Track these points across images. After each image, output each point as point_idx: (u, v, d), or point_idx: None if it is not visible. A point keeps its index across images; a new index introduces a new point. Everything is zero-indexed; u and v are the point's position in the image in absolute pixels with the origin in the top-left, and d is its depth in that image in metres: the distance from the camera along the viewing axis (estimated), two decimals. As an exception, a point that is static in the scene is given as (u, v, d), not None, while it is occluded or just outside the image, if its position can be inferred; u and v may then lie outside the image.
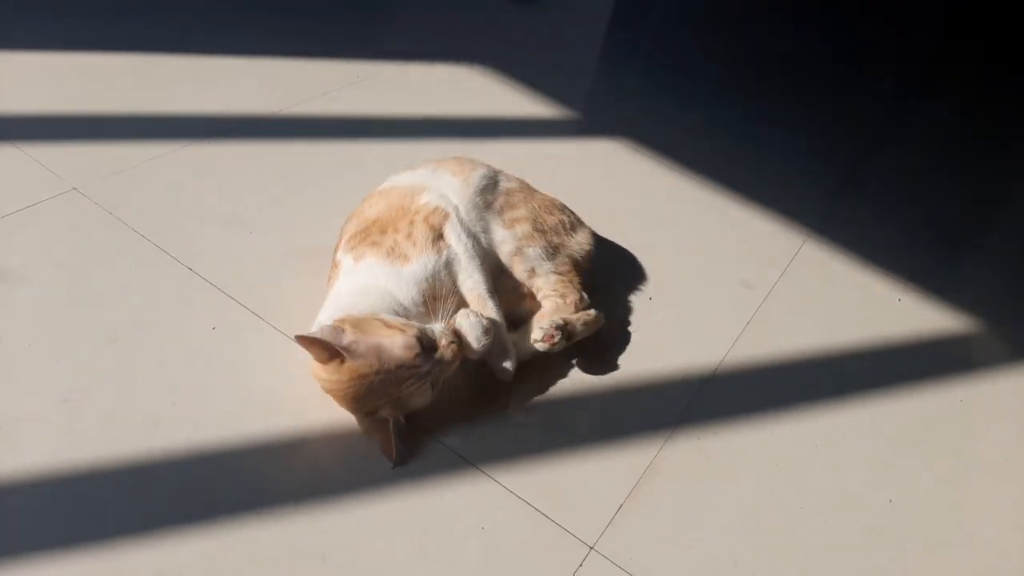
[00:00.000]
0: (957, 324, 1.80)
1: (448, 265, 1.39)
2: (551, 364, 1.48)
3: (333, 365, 1.19)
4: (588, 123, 2.40)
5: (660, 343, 1.58)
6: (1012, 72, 3.47)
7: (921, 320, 1.79)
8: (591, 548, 1.20)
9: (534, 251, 1.51)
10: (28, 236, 1.57)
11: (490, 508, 1.23)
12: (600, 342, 1.53)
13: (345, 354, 1.17)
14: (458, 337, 1.28)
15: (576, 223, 1.63)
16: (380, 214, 1.44)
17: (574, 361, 1.50)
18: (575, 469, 1.31)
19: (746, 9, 3.65)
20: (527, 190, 1.61)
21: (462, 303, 1.39)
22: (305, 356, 1.25)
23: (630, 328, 1.60)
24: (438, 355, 1.23)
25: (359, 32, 2.69)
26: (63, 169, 1.74)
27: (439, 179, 1.52)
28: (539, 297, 1.50)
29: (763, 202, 2.09)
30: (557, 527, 1.22)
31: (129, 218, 1.65)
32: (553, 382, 1.45)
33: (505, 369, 1.37)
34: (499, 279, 1.48)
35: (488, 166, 1.60)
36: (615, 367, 1.51)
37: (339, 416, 1.28)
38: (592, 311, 1.50)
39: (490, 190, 1.54)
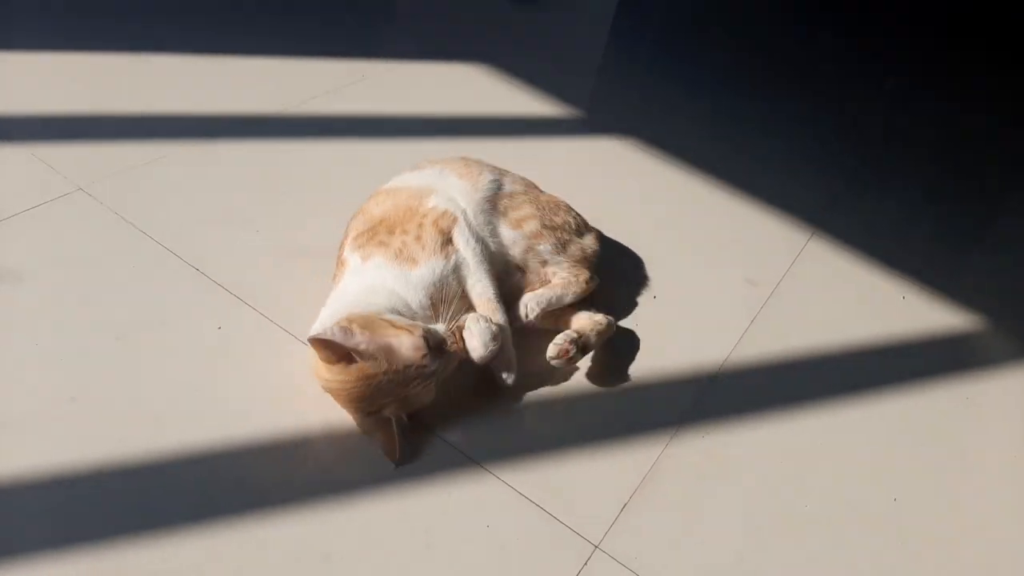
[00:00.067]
0: (962, 321, 1.80)
1: (456, 269, 1.39)
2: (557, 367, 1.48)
3: (340, 366, 1.18)
4: (592, 121, 2.40)
5: (665, 341, 1.58)
6: (1013, 69, 3.45)
7: (926, 317, 1.79)
8: (596, 547, 1.20)
9: (544, 247, 1.52)
10: (34, 236, 1.58)
11: (495, 507, 1.23)
12: (605, 340, 1.53)
13: (355, 355, 1.17)
14: (461, 336, 1.29)
15: (582, 225, 1.64)
16: (387, 213, 1.44)
17: (580, 362, 1.50)
18: (580, 467, 1.32)
19: (749, 6, 3.64)
20: (532, 191, 1.61)
21: (467, 307, 1.39)
22: (306, 356, 1.26)
23: (635, 326, 1.60)
24: (443, 355, 1.23)
25: (362, 31, 2.69)
26: (68, 169, 1.75)
27: (445, 180, 1.52)
28: (551, 277, 1.52)
29: (767, 199, 2.08)
30: (562, 526, 1.22)
31: (134, 218, 1.65)
32: (558, 380, 1.45)
33: (507, 378, 1.38)
34: (506, 280, 1.48)
35: (493, 168, 1.60)
36: (619, 365, 1.51)
37: (342, 415, 1.28)
38: (602, 317, 1.49)
39: (496, 192, 1.54)
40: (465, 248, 1.41)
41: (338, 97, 2.24)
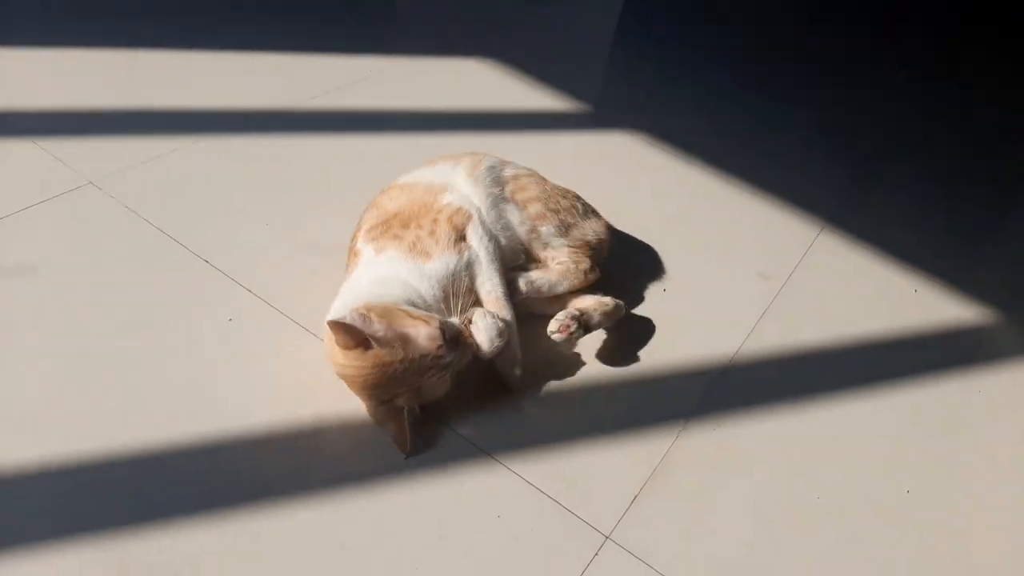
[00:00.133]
0: (974, 314, 1.79)
1: (468, 266, 1.39)
2: (566, 354, 1.48)
3: (356, 352, 1.19)
4: (600, 115, 2.39)
5: (676, 334, 1.58)
6: (1027, 60, 3.44)
7: (938, 310, 1.78)
8: (607, 537, 1.20)
9: (547, 229, 1.52)
10: (44, 230, 1.59)
11: (506, 497, 1.23)
12: (615, 333, 1.53)
13: (372, 341, 1.17)
14: (471, 332, 1.29)
15: (590, 210, 1.63)
16: (402, 208, 1.44)
17: (590, 351, 1.50)
18: (591, 459, 1.31)
19: None
20: (537, 177, 1.62)
21: (476, 302, 1.39)
22: (320, 345, 1.26)
23: (645, 320, 1.60)
24: (459, 347, 1.24)
25: (370, 28, 2.70)
26: (78, 163, 1.75)
27: (457, 177, 1.52)
28: (551, 264, 1.51)
29: (778, 193, 2.08)
30: (573, 516, 1.22)
31: (144, 212, 1.66)
32: (569, 372, 1.45)
33: (512, 374, 1.38)
34: (517, 262, 1.49)
35: (495, 157, 1.60)
36: (631, 358, 1.51)
37: (355, 407, 1.28)
38: (609, 299, 1.49)
39: (499, 180, 1.54)
40: (478, 245, 1.41)
41: (346, 93, 2.24)
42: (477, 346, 1.29)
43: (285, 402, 1.31)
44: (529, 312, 1.48)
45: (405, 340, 1.19)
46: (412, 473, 1.24)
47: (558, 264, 1.51)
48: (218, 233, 1.64)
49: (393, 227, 1.40)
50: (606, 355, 1.50)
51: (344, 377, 1.24)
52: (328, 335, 1.23)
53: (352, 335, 1.17)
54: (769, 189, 2.09)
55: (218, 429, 1.25)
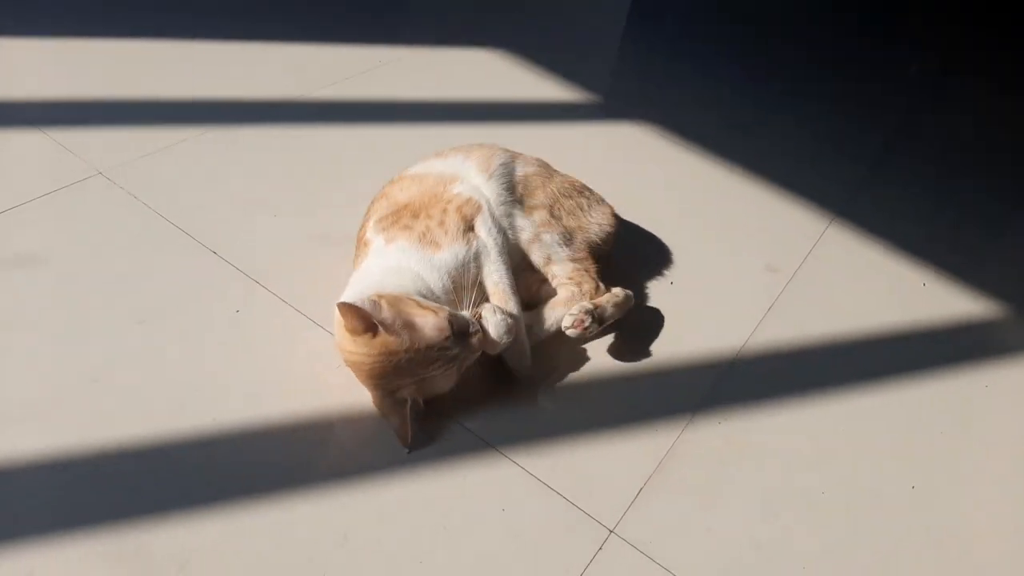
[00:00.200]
0: (983, 309, 1.78)
1: (477, 257, 1.39)
2: (572, 347, 1.48)
3: (364, 338, 1.19)
4: (610, 106, 2.38)
5: (683, 327, 1.58)
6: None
7: (946, 305, 1.77)
8: (611, 531, 1.20)
9: (550, 237, 1.51)
10: (54, 220, 1.59)
11: (510, 491, 1.24)
12: (622, 326, 1.53)
13: (380, 327, 1.17)
14: (481, 328, 1.29)
15: (595, 202, 1.62)
16: (412, 198, 1.44)
17: (596, 344, 1.50)
18: (596, 452, 1.32)
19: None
20: (545, 173, 1.60)
21: (486, 294, 1.40)
22: (327, 337, 1.26)
23: (653, 312, 1.60)
24: (467, 340, 1.24)
25: (379, 17, 2.69)
26: (88, 154, 1.76)
27: (469, 168, 1.52)
28: (554, 284, 1.50)
29: (787, 185, 2.07)
30: (577, 510, 1.22)
31: (154, 202, 1.66)
32: (574, 366, 1.45)
33: (522, 367, 1.38)
34: (520, 269, 1.48)
35: (507, 153, 1.59)
36: (636, 351, 1.51)
37: (361, 399, 1.29)
38: (620, 290, 1.49)
39: (511, 178, 1.53)
40: (487, 236, 1.41)
41: (356, 83, 2.24)
42: (488, 342, 1.29)
43: (291, 394, 1.32)
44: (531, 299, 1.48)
45: (412, 329, 1.19)
46: (417, 465, 1.24)
47: (561, 288, 1.49)
48: (226, 224, 1.64)
49: (403, 217, 1.40)
50: (613, 348, 1.50)
51: (352, 364, 1.24)
52: (337, 322, 1.23)
53: (361, 319, 1.17)
54: (778, 181, 2.07)
55: (224, 421, 1.26)
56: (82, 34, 2.23)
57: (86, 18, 2.32)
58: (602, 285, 1.50)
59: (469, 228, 1.40)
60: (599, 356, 1.48)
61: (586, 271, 1.51)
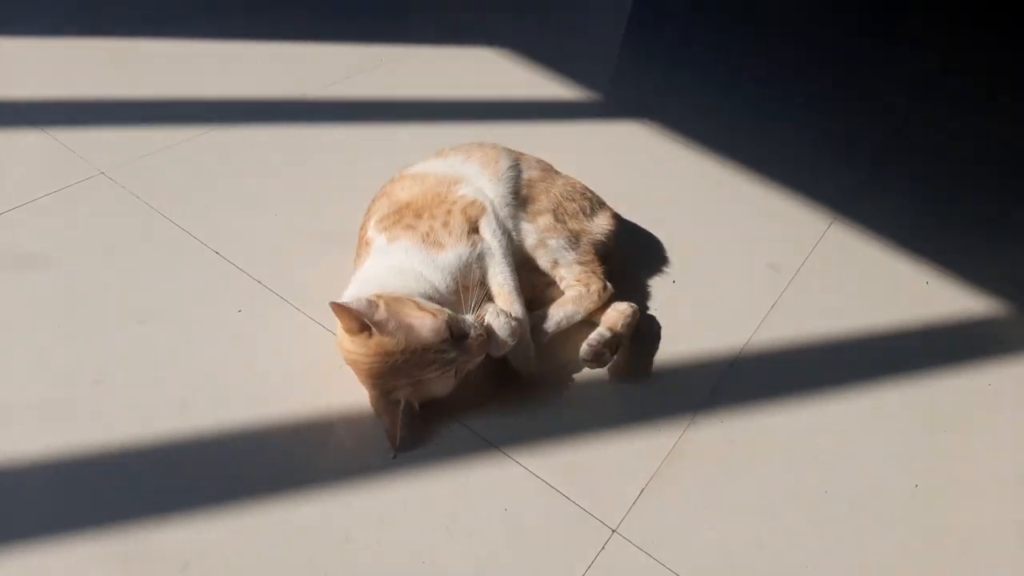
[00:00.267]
0: (985, 307, 1.78)
1: (480, 258, 1.39)
2: (574, 347, 1.48)
3: (361, 338, 1.19)
4: (611, 105, 2.38)
5: (684, 326, 1.58)
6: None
7: (948, 303, 1.77)
8: (613, 531, 1.20)
9: (556, 242, 1.50)
10: (56, 220, 1.59)
11: (513, 491, 1.24)
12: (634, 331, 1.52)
13: (374, 328, 1.17)
14: (486, 332, 1.29)
15: (597, 204, 1.63)
16: (414, 198, 1.44)
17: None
18: (598, 452, 1.32)
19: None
20: (548, 176, 1.60)
21: (489, 295, 1.40)
22: (329, 337, 1.26)
23: (654, 311, 1.60)
24: (465, 345, 1.23)
25: (380, 15, 2.69)
26: (90, 154, 1.76)
27: (471, 169, 1.51)
28: (563, 286, 1.50)
29: (789, 184, 2.06)
30: (580, 509, 1.22)
31: (156, 202, 1.66)
32: (576, 366, 1.45)
33: (527, 368, 1.38)
34: (525, 270, 1.48)
35: (510, 154, 1.59)
36: (638, 351, 1.50)
37: (363, 399, 1.29)
38: (627, 308, 1.48)
39: (515, 182, 1.53)
40: (491, 238, 1.41)
41: (357, 82, 2.24)
42: (493, 346, 1.29)
43: (293, 394, 1.32)
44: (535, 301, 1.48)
45: (408, 329, 1.19)
46: (419, 466, 1.24)
47: (569, 289, 1.49)
48: (228, 223, 1.64)
49: (406, 217, 1.40)
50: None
51: (350, 363, 1.24)
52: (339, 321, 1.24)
53: (354, 319, 1.18)
54: (780, 181, 2.07)
55: (226, 421, 1.26)
56: (84, 34, 2.23)
57: (88, 18, 2.32)
58: (609, 285, 1.50)
59: (473, 230, 1.40)
60: (601, 355, 1.48)
61: (593, 272, 1.51)
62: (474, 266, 1.37)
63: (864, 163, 2.29)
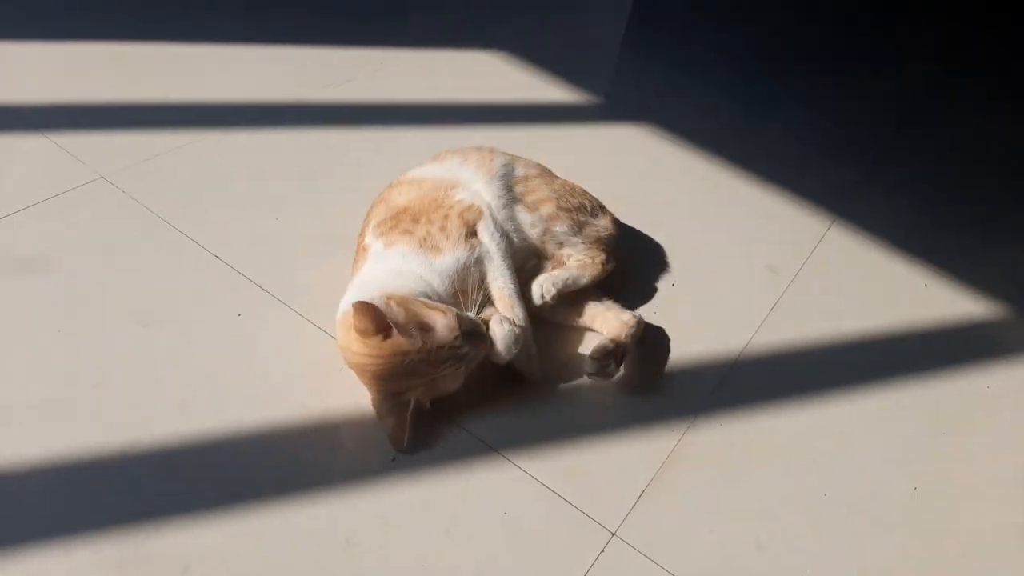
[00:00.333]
0: (985, 310, 1.78)
1: (479, 262, 1.39)
2: (573, 350, 1.49)
3: (374, 340, 1.18)
4: (610, 108, 2.38)
5: (684, 329, 1.58)
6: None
7: (948, 305, 1.77)
8: (613, 534, 1.20)
9: (561, 228, 1.52)
10: (56, 224, 1.60)
11: (512, 494, 1.24)
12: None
13: (394, 328, 1.17)
14: (490, 339, 1.29)
15: (598, 207, 1.63)
16: (411, 203, 1.44)
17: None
18: (598, 455, 1.32)
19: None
20: (546, 174, 1.61)
21: (489, 298, 1.40)
22: (327, 340, 1.26)
23: (654, 314, 1.60)
24: (475, 339, 1.25)
25: (380, 19, 2.69)
26: (90, 158, 1.76)
27: (468, 173, 1.52)
28: (567, 260, 1.51)
29: (788, 186, 2.06)
30: (579, 513, 1.22)
31: (156, 206, 1.67)
32: (576, 368, 1.45)
33: (530, 371, 1.39)
34: (524, 267, 1.49)
35: (505, 155, 1.59)
36: (638, 353, 1.50)
37: (363, 402, 1.29)
38: (630, 319, 1.47)
39: (510, 180, 1.54)
40: (490, 242, 1.41)
41: (357, 85, 2.24)
42: (495, 351, 1.30)
43: (293, 397, 1.32)
44: (540, 318, 1.48)
45: (425, 329, 1.19)
46: (419, 469, 1.25)
47: (575, 260, 1.51)
48: (228, 227, 1.65)
49: (403, 222, 1.40)
50: (614, 350, 1.50)
51: (358, 367, 1.23)
52: (343, 324, 1.24)
53: (375, 320, 1.16)
54: (779, 183, 2.07)
55: (226, 424, 1.26)
56: (84, 38, 2.24)
57: (88, 22, 2.32)
58: (613, 261, 1.53)
59: (471, 233, 1.41)
60: (601, 358, 1.48)
61: (599, 249, 1.53)
62: (472, 269, 1.38)
63: (863, 164, 2.29)
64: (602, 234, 1.58)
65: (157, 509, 1.14)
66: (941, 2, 3.72)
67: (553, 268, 1.51)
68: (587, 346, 1.48)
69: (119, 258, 1.54)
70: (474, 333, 1.25)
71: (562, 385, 1.43)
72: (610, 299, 1.52)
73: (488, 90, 2.35)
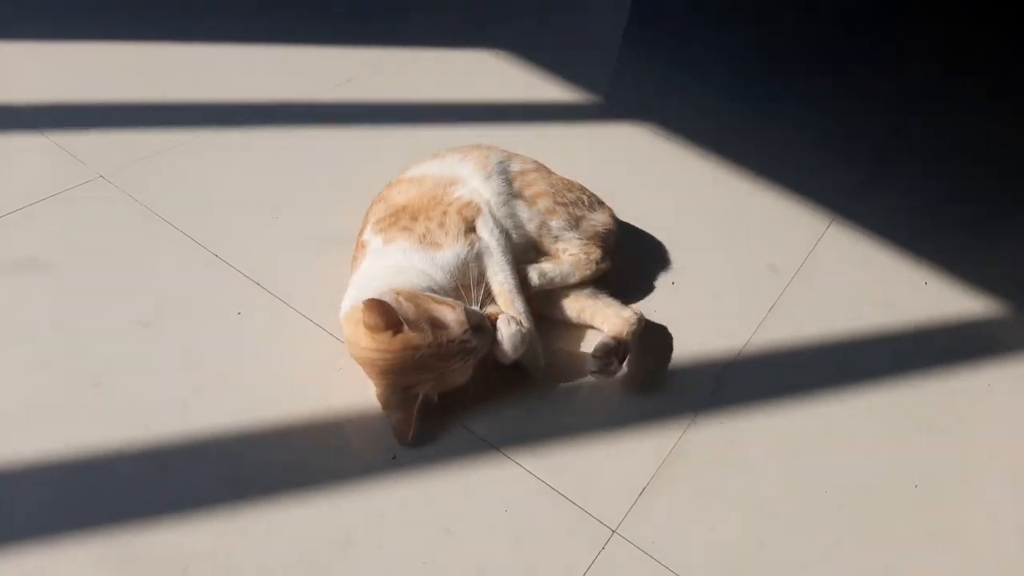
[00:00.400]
0: (985, 308, 1.78)
1: (479, 258, 1.39)
2: (573, 348, 1.48)
3: (385, 335, 1.18)
4: (610, 107, 2.38)
5: (684, 328, 1.57)
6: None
7: (948, 304, 1.77)
8: (613, 531, 1.20)
9: (557, 223, 1.52)
10: (55, 223, 1.60)
11: (513, 491, 1.24)
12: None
13: (405, 323, 1.17)
14: (497, 339, 1.30)
15: (596, 202, 1.63)
16: (411, 201, 1.44)
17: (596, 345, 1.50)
18: (598, 453, 1.32)
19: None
20: (544, 170, 1.62)
21: (491, 293, 1.40)
22: (326, 338, 1.25)
23: (654, 312, 1.60)
24: (482, 332, 1.25)
25: (379, 18, 2.69)
26: (89, 157, 1.76)
27: (467, 170, 1.52)
28: (563, 255, 1.51)
29: (788, 185, 2.06)
30: (579, 510, 1.22)
31: (154, 205, 1.66)
32: (576, 366, 1.45)
33: (535, 367, 1.39)
34: (525, 261, 1.49)
35: (502, 151, 1.60)
36: (638, 351, 1.50)
37: (361, 400, 1.29)
38: (631, 316, 1.46)
39: (507, 175, 1.54)
40: (489, 237, 1.42)
41: (355, 85, 2.24)
42: (500, 352, 1.30)
43: (291, 396, 1.32)
44: (541, 314, 1.48)
45: (436, 323, 1.19)
46: (420, 466, 1.24)
47: (569, 255, 1.51)
48: (227, 226, 1.65)
49: (402, 219, 1.40)
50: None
51: (367, 361, 1.23)
52: (350, 320, 1.24)
53: (385, 316, 1.16)
54: (779, 181, 2.07)
55: (224, 423, 1.26)
56: (83, 37, 2.23)
57: (87, 21, 2.32)
58: (609, 260, 1.53)
59: (471, 229, 1.41)
60: (601, 356, 1.48)
61: (595, 246, 1.53)
62: (472, 265, 1.38)
63: (863, 163, 2.29)
64: (600, 229, 1.58)
65: (155, 507, 1.14)
66: (941, 2, 3.72)
67: (548, 262, 1.51)
68: (587, 343, 1.49)
69: (118, 257, 1.54)
70: (480, 327, 1.26)
71: (562, 383, 1.42)
72: (610, 296, 1.52)
73: (488, 90, 2.35)
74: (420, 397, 1.24)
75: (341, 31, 2.52)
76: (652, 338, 1.54)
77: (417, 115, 2.17)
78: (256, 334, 1.43)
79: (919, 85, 2.86)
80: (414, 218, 1.40)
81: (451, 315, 1.21)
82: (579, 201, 1.58)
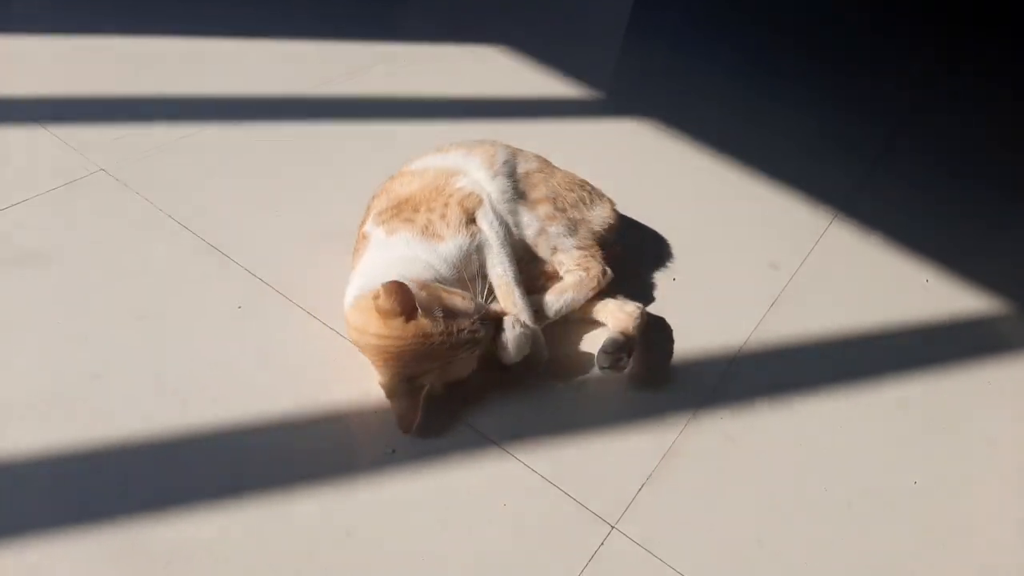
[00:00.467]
0: (986, 305, 1.78)
1: (479, 250, 1.40)
2: (574, 344, 1.48)
3: (397, 321, 1.17)
4: (613, 102, 2.38)
5: (685, 324, 1.57)
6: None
7: (949, 301, 1.77)
8: (612, 527, 1.20)
9: (555, 229, 1.51)
10: (57, 217, 1.59)
11: (512, 487, 1.24)
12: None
13: (419, 310, 1.17)
14: (502, 341, 1.30)
15: (596, 196, 1.63)
16: (413, 193, 1.44)
17: (597, 342, 1.49)
18: (598, 449, 1.31)
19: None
20: (546, 169, 1.61)
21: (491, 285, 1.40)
22: (327, 332, 1.25)
23: (655, 308, 1.60)
24: (489, 323, 1.26)
25: (382, 13, 2.69)
26: (91, 150, 1.76)
27: (471, 164, 1.52)
28: (562, 272, 1.50)
29: (790, 182, 2.06)
30: (578, 506, 1.22)
31: (156, 199, 1.66)
32: (577, 362, 1.45)
33: (538, 361, 1.39)
34: (528, 265, 1.49)
35: (508, 149, 1.59)
36: (639, 347, 1.50)
37: (362, 394, 1.29)
38: (634, 309, 1.47)
39: (512, 174, 1.54)
40: (489, 229, 1.41)
41: (358, 80, 2.24)
42: (504, 354, 1.31)
43: (292, 390, 1.32)
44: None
45: (449, 311, 1.20)
46: (418, 461, 1.24)
47: (569, 273, 1.50)
48: (229, 220, 1.64)
49: (404, 211, 1.40)
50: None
51: (376, 348, 1.22)
52: (359, 307, 1.24)
53: (402, 301, 1.16)
54: (781, 178, 2.07)
55: (225, 417, 1.26)
56: (85, 30, 2.23)
57: (89, 14, 2.32)
58: (608, 270, 1.51)
59: (471, 220, 1.41)
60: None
61: (592, 256, 1.52)
62: (473, 256, 1.38)
63: (864, 161, 2.29)
64: (599, 228, 1.57)
65: (155, 501, 1.13)
66: (941, 2, 3.72)
67: (547, 282, 1.50)
68: (588, 339, 1.50)
69: (119, 250, 1.54)
70: (487, 317, 1.27)
71: (562, 379, 1.42)
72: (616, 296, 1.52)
73: (490, 84, 2.35)
74: (425, 388, 1.24)
75: (344, 25, 2.52)
76: (653, 334, 1.54)
77: (421, 110, 2.17)
78: (257, 328, 1.43)
79: (919, 84, 2.86)
80: (416, 209, 1.40)
81: (462, 305, 1.22)
82: (580, 201, 1.57)
